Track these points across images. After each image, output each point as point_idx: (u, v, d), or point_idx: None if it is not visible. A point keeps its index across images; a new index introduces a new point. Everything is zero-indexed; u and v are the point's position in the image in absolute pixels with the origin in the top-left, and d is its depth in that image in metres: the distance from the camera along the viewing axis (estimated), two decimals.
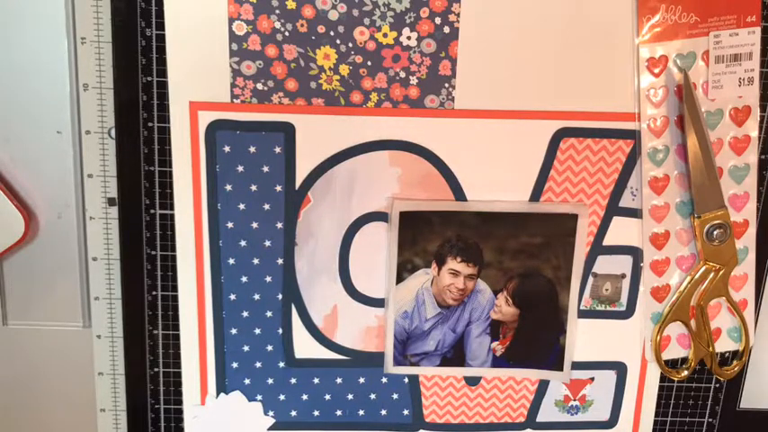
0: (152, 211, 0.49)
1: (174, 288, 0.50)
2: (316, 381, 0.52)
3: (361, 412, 0.53)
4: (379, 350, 0.51)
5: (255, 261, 0.49)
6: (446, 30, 0.46)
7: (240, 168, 0.47)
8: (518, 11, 0.45)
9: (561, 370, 0.52)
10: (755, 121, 0.48)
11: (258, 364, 0.51)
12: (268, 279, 0.49)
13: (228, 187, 0.48)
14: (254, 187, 0.48)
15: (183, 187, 0.47)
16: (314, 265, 0.49)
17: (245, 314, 0.50)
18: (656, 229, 0.50)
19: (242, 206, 0.48)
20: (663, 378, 0.54)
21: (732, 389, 0.55)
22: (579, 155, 0.48)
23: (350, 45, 0.45)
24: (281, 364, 0.51)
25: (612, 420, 0.54)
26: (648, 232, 0.50)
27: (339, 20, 0.45)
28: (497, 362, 0.52)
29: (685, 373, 0.53)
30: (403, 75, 0.46)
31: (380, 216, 0.49)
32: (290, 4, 0.45)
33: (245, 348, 0.51)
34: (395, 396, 0.53)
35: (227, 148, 0.47)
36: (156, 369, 0.52)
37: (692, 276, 0.50)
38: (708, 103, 0.48)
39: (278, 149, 0.47)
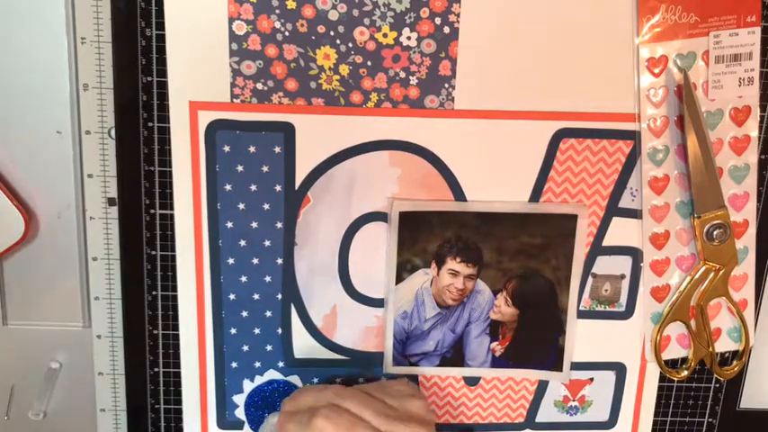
0: (152, 211, 0.49)
1: (174, 288, 0.50)
2: (315, 381, 0.52)
3: None
4: (378, 350, 0.51)
5: (255, 261, 0.49)
6: (446, 30, 0.46)
7: (240, 168, 0.47)
8: (518, 11, 0.45)
9: (560, 370, 0.52)
10: (755, 121, 0.48)
11: (257, 364, 0.51)
12: (267, 279, 0.49)
13: (228, 187, 0.48)
14: (253, 187, 0.48)
15: (182, 187, 0.48)
16: (313, 265, 0.49)
17: (245, 314, 0.50)
18: (656, 229, 0.50)
19: (242, 206, 0.48)
20: (662, 378, 0.54)
21: (732, 389, 0.55)
22: (579, 155, 0.48)
23: (350, 45, 0.45)
24: (281, 364, 0.51)
25: (612, 421, 0.54)
26: (648, 232, 0.50)
27: (339, 20, 0.45)
28: (497, 362, 0.52)
29: (685, 373, 0.53)
30: (403, 75, 0.46)
31: (380, 216, 0.49)
32: (290, 4, 0.45)
33: (245, 348, 0.51)
34: None
35: (226, 148, 0.47)
36: (156, 369, 0.52)
37: (692, 276, 0.50)
38: (708, 103, 0.48)
39: (278, 149, 0.47)
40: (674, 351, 0.52)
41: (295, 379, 0.52)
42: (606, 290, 0.51)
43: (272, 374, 0.51)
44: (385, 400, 0.44)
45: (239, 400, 0.52)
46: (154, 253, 0.49)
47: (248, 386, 0.52)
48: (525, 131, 0.48)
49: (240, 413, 0.52)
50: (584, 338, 0.52)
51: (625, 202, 0.49)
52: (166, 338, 0.51)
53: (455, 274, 0.50)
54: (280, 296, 0.50)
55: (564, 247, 0.50)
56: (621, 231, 0.50)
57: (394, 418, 0.42)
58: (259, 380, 0.51)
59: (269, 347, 0.51)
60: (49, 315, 0.52)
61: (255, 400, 0.52)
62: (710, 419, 0.56)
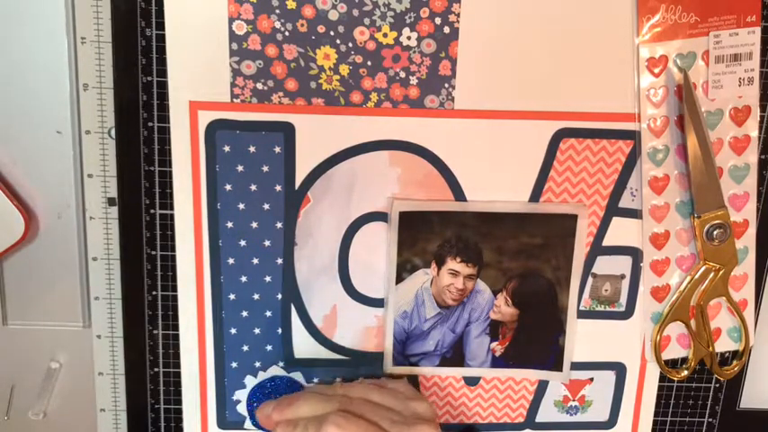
0: (152, 211, 0.49)
1: (174, 288, 0.50)
2: (315, 381, 0.52)
3: None
4: (378, 350, 0.51)
5: (255, 261, 0.49)
6: (446, 30, 0.46)
7: (240, 168, 0.47)
8: (518, 11, 0.45)
9: (560, 370, 0.52)
10: (755, 121, 0.48)
11: (257, 364, 0.51)
12: (267, 279, 0.49)
13: (228, 187, 0.48)
14: (253, 187, 0.48)
15: (182, 187, 0.48)
16: (313, 265, 0.49)
17: (245, 314, 0.50)
18: (656, 228, 0.50)
19: (242, 206, 0.48)
20: (663, 378, 0.54)
21: (732, 389, 0.55)
22: (579, 155, 0.48)
23: (350, 45, 0.45)
24: (281, 364, 0.51)
25: (612, 421, 0.54)
26: (648, 232, 0.50)
27: (339, 20, 0.45)
28: (497, 362, 0.52)
29: (685, 372, 0.53)
30: (403, 75, 0.46)
31: (380, 216, 0.49)
32: (290, 4, 0.45)
33: (245, 348, 0.51)
34: None
35: (226, 148, 0.47)
36: (156, 369, 0.52)
37: (692, 276, 0.50)
38: (708, 103, 0.48)
39: (278, 149, 0.47)
40: (674, 351, 0.52)
41: (297, 375, 0.52)
42: (606, 290, 0.51)
43: (275, 372, 0.51)
44: (389, 405, 0.44)
45: (242, 395, 0.52)
46: (154, 253, 0.49)
47: (250, 381, 0.51)
48: (525, 131, 0.48)
49: (242, 408, 0.52)
50: (584, 338, 0.52)
51: (625, 202, 0.49)
52: (166, 338, 0.51)
53: (455, 274, 0.50)
54: (280, 296, 0.50)
55: (564, 247, 0.50)
56: (621, 231, 0.50)
57: (402, 423, 0.42)
58: (262, 376, 0.51)
59: (269, 347, 0.51)
60: (49, 315, 0.52)
61: (258, 395, 0.52)
62: (710, 419, 0.56)
